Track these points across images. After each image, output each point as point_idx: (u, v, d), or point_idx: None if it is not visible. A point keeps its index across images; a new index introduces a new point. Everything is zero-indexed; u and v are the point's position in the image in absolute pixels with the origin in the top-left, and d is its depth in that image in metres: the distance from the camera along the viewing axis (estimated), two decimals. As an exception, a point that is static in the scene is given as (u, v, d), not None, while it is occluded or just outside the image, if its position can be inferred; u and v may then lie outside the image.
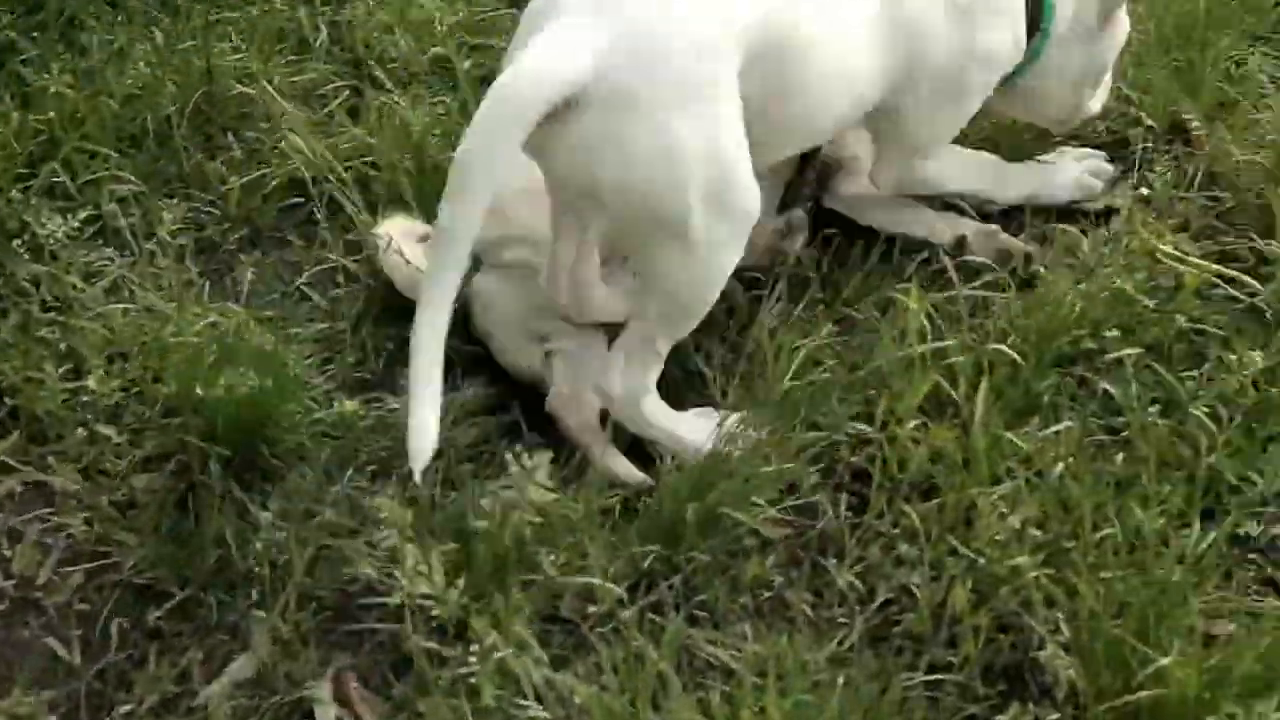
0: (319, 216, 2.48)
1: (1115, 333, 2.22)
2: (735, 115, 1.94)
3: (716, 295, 2.05)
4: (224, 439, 2.07)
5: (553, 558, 1.90)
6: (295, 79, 2.73)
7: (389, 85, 2.69)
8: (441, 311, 1.85)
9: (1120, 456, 2.05)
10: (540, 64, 1.84)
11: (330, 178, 2.50)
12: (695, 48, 1.88)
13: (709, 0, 1.93)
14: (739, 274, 2.13)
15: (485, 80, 2.63)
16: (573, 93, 1.82)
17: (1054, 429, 2.09)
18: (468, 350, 2.24)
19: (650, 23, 1.87)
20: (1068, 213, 2.54)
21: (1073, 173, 2.56)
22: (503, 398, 2.22)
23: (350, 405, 2.16)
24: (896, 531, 1.99)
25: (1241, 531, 2.02)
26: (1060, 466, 2.01)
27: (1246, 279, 2.36)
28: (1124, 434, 2.11)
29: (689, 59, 1.88)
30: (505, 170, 1.86)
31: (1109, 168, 2.60)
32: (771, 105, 2.01)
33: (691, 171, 1.89)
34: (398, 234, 2.32)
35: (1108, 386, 2.18)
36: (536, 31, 1.88)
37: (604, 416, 2.13)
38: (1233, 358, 2.12)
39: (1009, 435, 2.06)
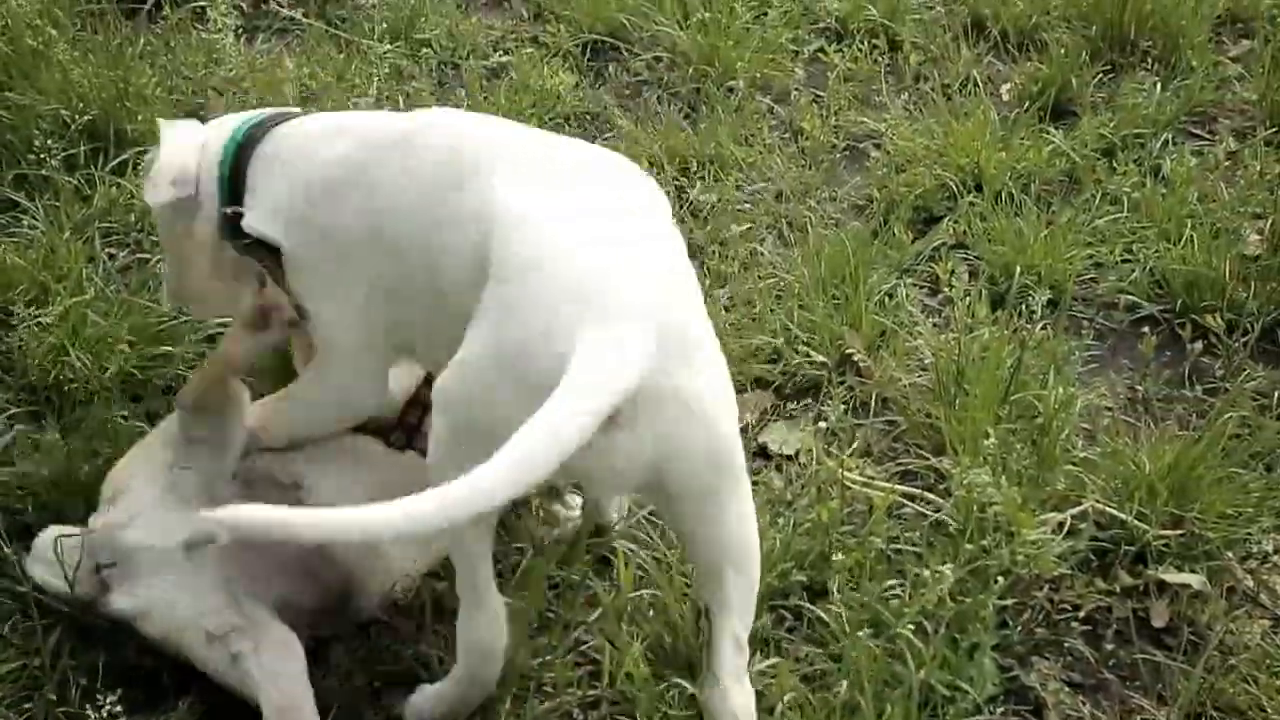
0: (7, 551, 2.37)
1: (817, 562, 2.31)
2: None
3: None
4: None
5: None
6: (-36, 413, 2.63)
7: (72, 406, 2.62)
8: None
9: (841, 683, 2.10)
10: (613, 367, 1.72)
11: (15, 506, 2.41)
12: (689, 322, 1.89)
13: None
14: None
15: (169, 389, 2.61)
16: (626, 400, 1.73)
17: (773, 662, 2.15)
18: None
19: (667, 310, 1.82)
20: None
21: None
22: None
23: (58, 746, 2.04)
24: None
25: (965, 743, 2.10)
26: (784, 701, 2.05)
27: (930, 495, 2.51)
28: (841, 660, 2.17)
29: (696, 332, 1.89)
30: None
31: None
32: None
33: (732, 419, 1.91)
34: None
35: (822, 614, 2.26)
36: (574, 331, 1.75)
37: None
38: (928, 573, 2.22)
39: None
